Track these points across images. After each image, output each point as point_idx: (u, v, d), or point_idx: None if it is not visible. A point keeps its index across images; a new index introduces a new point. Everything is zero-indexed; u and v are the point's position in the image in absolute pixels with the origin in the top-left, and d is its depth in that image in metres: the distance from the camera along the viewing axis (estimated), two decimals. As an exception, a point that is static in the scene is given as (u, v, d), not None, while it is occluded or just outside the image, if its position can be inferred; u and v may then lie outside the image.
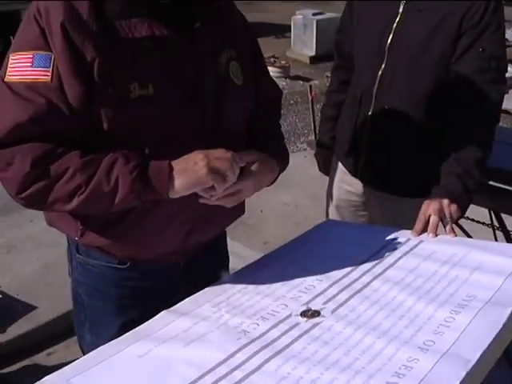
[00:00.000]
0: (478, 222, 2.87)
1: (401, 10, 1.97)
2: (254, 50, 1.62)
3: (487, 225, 2.85)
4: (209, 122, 1.43)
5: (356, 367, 1.10)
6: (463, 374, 1.05)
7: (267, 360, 1.15)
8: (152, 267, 1.47)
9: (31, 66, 1.30)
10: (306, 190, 4.48)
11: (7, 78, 1.32)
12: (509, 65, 8.04)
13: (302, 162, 5.39)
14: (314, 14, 10.07)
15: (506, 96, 6.59)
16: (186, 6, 1.40)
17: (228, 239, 1.79)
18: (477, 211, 2.74)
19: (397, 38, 1.97)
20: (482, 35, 1.85)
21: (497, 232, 2.82)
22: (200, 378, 1.11)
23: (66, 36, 1.28)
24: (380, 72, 2.03)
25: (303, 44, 10.22)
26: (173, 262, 1.56)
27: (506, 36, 8.58)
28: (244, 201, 1.59)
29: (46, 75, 1.29)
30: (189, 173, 1.32)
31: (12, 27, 7.40)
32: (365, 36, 2.09)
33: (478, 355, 1.10)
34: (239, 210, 1.63)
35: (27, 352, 2.89)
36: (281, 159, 1.61)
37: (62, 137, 1.31)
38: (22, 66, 1.31)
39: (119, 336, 1.32)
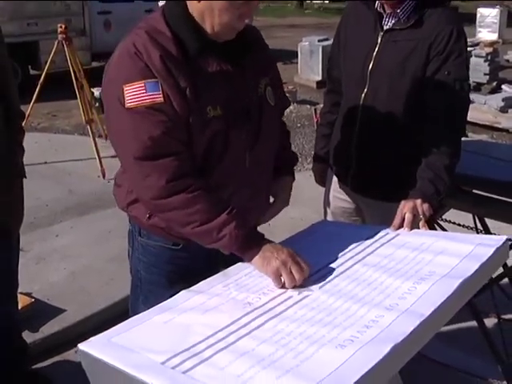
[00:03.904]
0: (460, 225, 3.14)
1: (379, 40, 2.24)
2: (276, 73, 2.00)
3: (469, 227, 3.12)
4: (254, 132, 1.80)
5: (335, 323, 1.40)
6: (417, 322, 1.36)
7: (266, 321, 1.45)
8: (199, 249, 1.77)
9: (145, 92, 1.61)
10: (312, 205, 4.72)
11: (128, 105, 1.62)
12: (507, 85, 8.28)
13: (308, 180, 5.65)
14: (320, 41, 10.30)
15: (505, 115, 6.82)
16: (238, 44, 1.75)
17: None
18: (462, 217, 3.03)
19: (376, 65, 2.25)
20: (446, 61, 2.13)
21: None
22: (213, 334, 1.40)
23: (166, 66, 1.62)
24: (363, 94, 2.30)
25: (310, 69, 10.50)
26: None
27: (508, 57, 8.86)
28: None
29: (160, 97, 1.62)
30: (264, 262, 1.66)
31: (31, 57, 7.75)
32: (350, 63, 2.37)
33: (430, 311, 1.41)
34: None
35: (58, 349, 3.14)
36: (293, 160, 2.15)
37: (183, 146, 1.66)
38: (138, 93, 1.62)
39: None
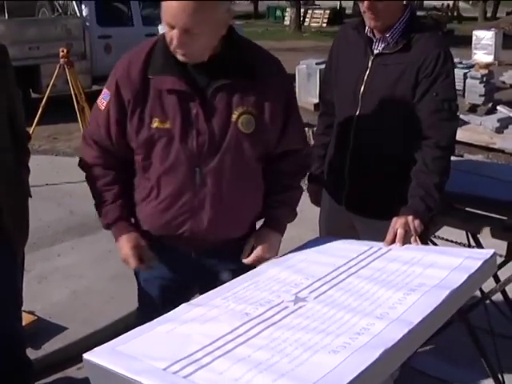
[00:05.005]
0: (453, 241, 3.21)
1: (370, 64, 2.33)
2: (286, 108, 2.05)
3: (461, 244, 3.18)
4: (209, 152, 1.95)
5: (328, 330, 1.47)
6: (406, 330, 1.43)
7: (263, 330, 1.52)
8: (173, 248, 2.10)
9: (103, 97, 2.03)
10: (310, 224, 4.78)
11: (97, 102, 2.07)
12: (503, 106, 8.36)
13: (306, 200, 5.74)
14: (317, 64, 10.36)
15: (501, 136, 6.91)
16: (204, 72, 1.93)
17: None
18: (457, 235, 3.10)
19: (368, 88, 2.33)
20: (434, 83, 2.22)
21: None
22: (212, 342, 1.47)
23: (117, 83, 1.98)
24: (356, 117, 2.38)
25: (307, 92, 10.56)
26: (185, 251, 2.11)
27: (503, 79, 8.95)
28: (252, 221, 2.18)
29: (103, 105, 2.02)
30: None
31: (32, 80, 7.83)
32: (342, 87, 2.46)
33: (419, 319, 1.48)
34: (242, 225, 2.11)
35: (60, 366, 3.19)
36: (282, 216, 2.20)
37: (112, 145, 2.06)
38: (101, 96, 2.04)
39: (145, 286, 2.23)
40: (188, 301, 1.96)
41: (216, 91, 1.92)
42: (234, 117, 1.94)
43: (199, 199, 1.99)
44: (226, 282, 1.91)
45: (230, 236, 2.08)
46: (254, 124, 1.96)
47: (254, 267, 2.06)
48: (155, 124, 1.93)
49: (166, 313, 1.91)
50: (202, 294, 2.03)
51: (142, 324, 1.67)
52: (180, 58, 1.87)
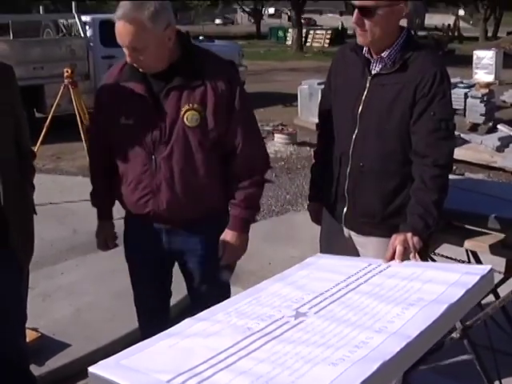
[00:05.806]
0: (452, 258, 3.24)
1: (368, 85, 2.37)
2: (230, 105, 2.36)
3: (460, 261, 3.22)
4: (162, 142, 2.33)
5: (328, 344, 1.51)
6: (403, 343, 1.46)
7: (265, 343, 1.55)
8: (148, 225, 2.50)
9: None
10: (311, 244, 4.78)
11: None
12: (503, 125, 8.38)
13: (308, 220, 5.76)
14: (319, 84, 10.39)
15: (502, 155, 6.93)
16: (161, 78, 2.32)
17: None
18: (458, 252, 3.13)
19: (366, 108, 2.37)
20: (432, 102, 2.25)
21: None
22: (215, 355, 1.50)
23: (98, 91, 2.55)
24: (354, 136, 2.41)
25: (309, 112, 10.63)
26: (158, 228, 2.49)
27: (504, 98, 8.96)
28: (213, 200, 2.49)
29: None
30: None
31: (36, 100, 7.88)
32: (340, 106, 2.49)
33: (416, 333, 1.51)
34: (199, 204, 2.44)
35: (63, 383, 3.22)
36: (250, 215, 2.52)
37: (96, 141, 2.62)
38: None
39: (130, 262, 2.68)
40: (170, 273, 2.69)
41: (168, 92, 2.30)
42: (181, 113, 2.30)
43: (156, 183, 2.36)
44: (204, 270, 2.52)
45: (189, 216, 2.42)
46: (198, 119, 2.31)
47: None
48: (122, 120, 2.36)
49: (154, 288, 2.68)
50: (181, 266, 2.62)
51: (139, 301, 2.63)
52: (140, 69, 2.30)
